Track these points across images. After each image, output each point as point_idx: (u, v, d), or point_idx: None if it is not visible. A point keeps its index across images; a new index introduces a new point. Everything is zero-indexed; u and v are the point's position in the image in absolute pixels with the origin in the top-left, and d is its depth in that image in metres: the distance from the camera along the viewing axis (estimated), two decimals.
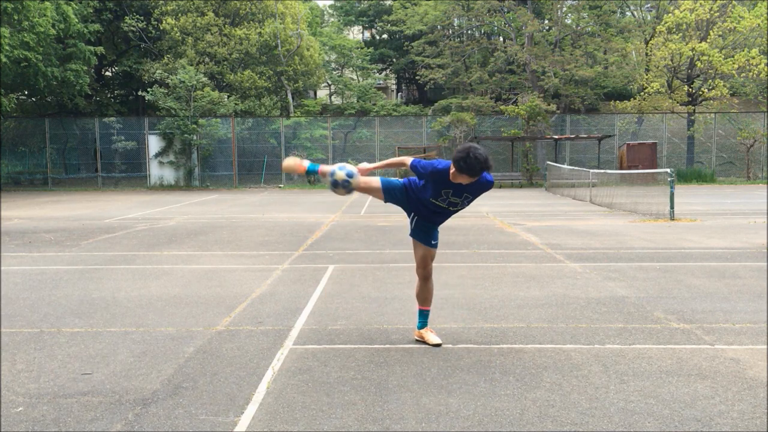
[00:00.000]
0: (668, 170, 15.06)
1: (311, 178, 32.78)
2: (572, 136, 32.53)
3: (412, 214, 5.01)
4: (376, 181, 4.95)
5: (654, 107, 35.28)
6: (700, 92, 34.36)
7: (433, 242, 5.03)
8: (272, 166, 34.14)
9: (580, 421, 3.60)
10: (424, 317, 5.13)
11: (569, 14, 42.14)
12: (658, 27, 35.23)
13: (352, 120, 37.77)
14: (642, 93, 35.30)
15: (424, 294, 5.13)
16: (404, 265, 8.57)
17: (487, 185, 4.72)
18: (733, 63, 32.48)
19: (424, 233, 5.01)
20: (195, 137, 31.34)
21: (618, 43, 39.57)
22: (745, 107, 37.48)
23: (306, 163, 5.06)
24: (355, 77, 47.64)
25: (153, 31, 35.87)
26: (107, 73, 42.46)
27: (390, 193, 4.94)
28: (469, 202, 4.83)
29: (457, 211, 4.90)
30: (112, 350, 4.98)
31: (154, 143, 32.22)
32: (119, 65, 38.96)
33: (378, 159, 34.10)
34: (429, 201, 4.80)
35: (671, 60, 34.08)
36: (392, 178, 5.04)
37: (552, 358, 4.70)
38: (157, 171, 32.27)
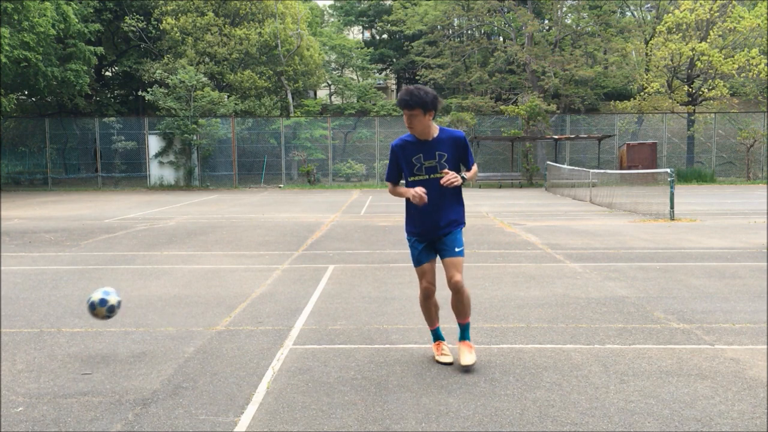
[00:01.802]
0: (668, 170, 15.06)
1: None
2: (572, 136, 32.53)
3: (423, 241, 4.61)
4: (419, 276, 4.65)
5: (654, 107, 35.29)
6: (700, 92, 34.37)
7: (457, 249, 4.52)
8: (272, 166, 34.15)
9: (580, 421, 3.59)
10: (462, 330, 4.61)
11: (569, 14, 42.16)
12: (658, 27, 35.25)
13: (352, 120, 37.77)
14: (642, 93, 35.31)
15: (458, 306, 4.58)
16: (404, 265, 8.56)
17: (458, 140, 4.47)
18: (733, 63, 32.49)
19: (447, 244, 4.54)
20: (195, 137, 31.36)
21: (618, 43, 39.58)
22: (745, 107, 37.49)
23: None
24: (355, 77, 47.64)
25: (153, 31, 35.89)
26: (107, 73, 42.47)
27: (416, 259, 4.63)
28: (448, 163, 4.42)
29: (441, 179, 4.35)
30: (112, 350, 4.98)
31: (154, 143, 32.23)
32: (119, 65, 38.97)
33: (378, 159, 34.14)
34: (415, 191, 4.33)
35: (671, 60, 34.09)
36: (412, 252, 4.69)
37: (552, 358, 4.70)
38: (157, 171, 32.27)
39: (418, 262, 4.63)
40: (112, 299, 4.86)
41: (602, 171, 22.70)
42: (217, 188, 31.61)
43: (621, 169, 30.41)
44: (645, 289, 6.99)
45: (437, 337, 4.74)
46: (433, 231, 4.54)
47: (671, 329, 5.43)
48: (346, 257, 9.38)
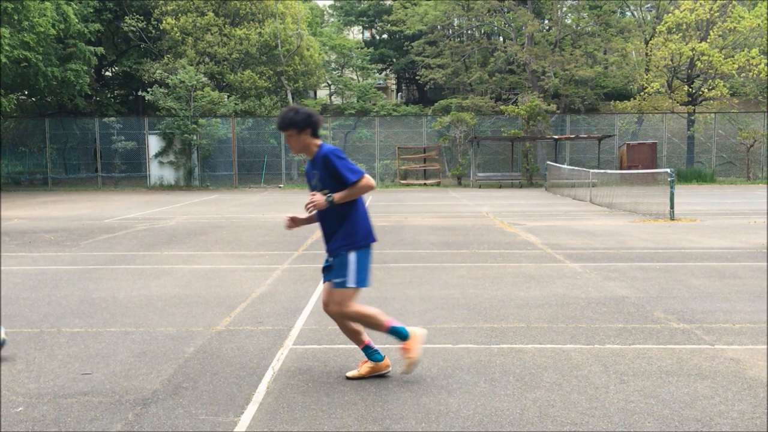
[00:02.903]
0: (668, 170, 15.05)
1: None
2: (572, 136, 32.52)
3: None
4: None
5: (654, 107, 35.28)
6: (700, 92, 34.36)
7: (336, 280, 4.23)
8: (272, 166, 34.16)
9: (580, 421, 3.59)
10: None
11: (569, 14, 42.15)
12: (658, 27, 35.23)
13: (352, 120, 37.77)
14: (642, 93, 35.30)
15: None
16: (404, 265, 8.57)
17: (323, 158, 4.17)
18: (733, 63, 32.48)
19: (335, 265, 4.30)
20: (195, 137, 31.34)
21: (618, 43, 39.58)
22: (745, 107, 37.49)
23: None
24: (355, 77, 47.64)
25: (153, 31, 35.87)
26: (107, 73, 42.46)
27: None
28: (322, 182, 4.22)
29: (323, 193, 4.22)
30: (112, 350, 4.98)
31: (154, 143, 32.21)
32: (119, 65, 38.95)
33: (378, 159, 34.13)
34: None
35: (671, 60, 34.08)
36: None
37: (552, 358, 4.70)
38: (157, 171, 32.25)
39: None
40: None
41: (602, 171, 22.69)
42: (217, 188, 31.60)
43: (621, 169, 30.41)
44: (645, 289, 6.99)
45: (365, 355, 4.37)
46: (329, 251, 4.35)
47: (671, 329, 5.43)
48: None
